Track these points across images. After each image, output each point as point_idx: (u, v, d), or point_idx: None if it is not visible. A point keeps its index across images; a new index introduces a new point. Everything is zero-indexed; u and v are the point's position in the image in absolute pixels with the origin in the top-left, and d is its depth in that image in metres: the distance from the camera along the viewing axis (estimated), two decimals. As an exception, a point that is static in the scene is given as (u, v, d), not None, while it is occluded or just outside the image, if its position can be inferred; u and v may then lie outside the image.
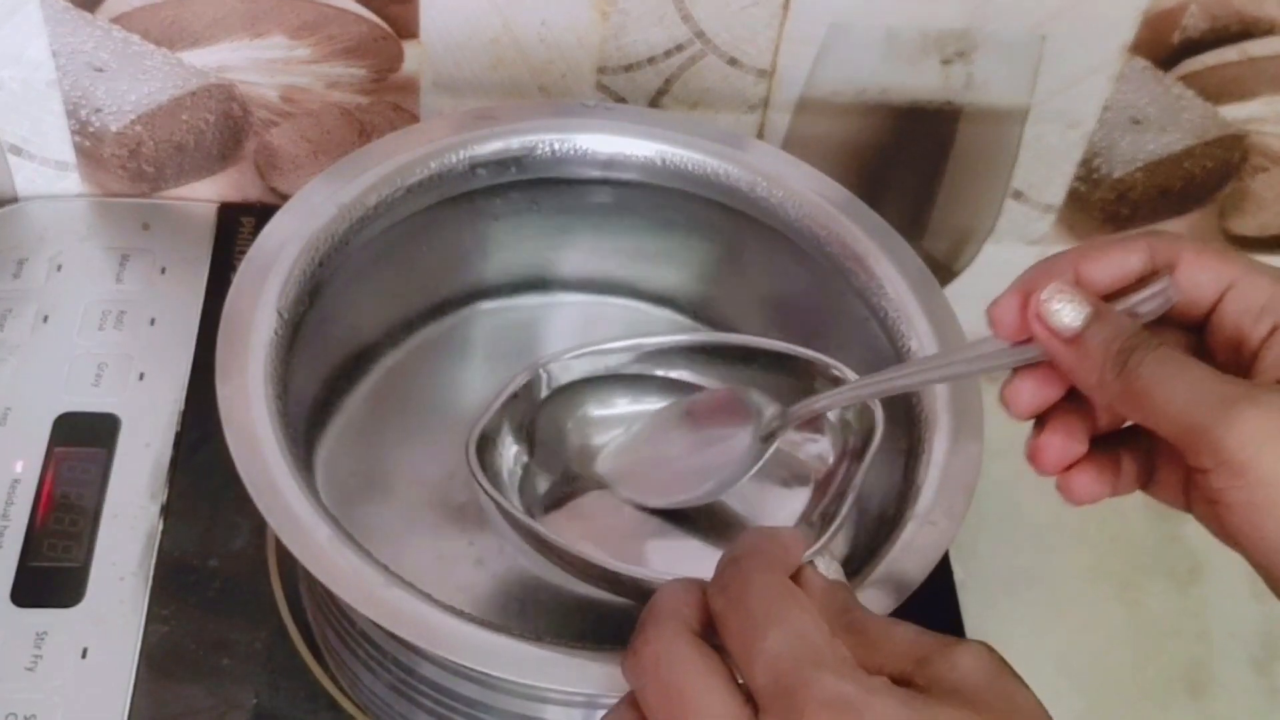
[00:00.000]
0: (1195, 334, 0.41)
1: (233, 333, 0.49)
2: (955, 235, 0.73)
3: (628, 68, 0.66)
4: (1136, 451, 0.43)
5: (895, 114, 0.68)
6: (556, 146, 0.57)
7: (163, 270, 0.67)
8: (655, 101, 0.68)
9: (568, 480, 0.56)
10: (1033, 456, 0.42)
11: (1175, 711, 0.61)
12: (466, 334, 0.62)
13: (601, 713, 0.37)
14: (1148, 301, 0.40)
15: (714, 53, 0.66)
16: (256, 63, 0.65)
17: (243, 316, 0.49)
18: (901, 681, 0.34)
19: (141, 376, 0.62)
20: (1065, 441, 0.42)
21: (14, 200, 0.70)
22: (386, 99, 0.67)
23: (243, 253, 0.52)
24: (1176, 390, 0.37)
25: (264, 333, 0.49)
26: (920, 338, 0.52)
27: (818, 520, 0.53)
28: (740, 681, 0.34)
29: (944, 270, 0.73)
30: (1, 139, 0.67)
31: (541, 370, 0.55)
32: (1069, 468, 0.42)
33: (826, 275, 0.56)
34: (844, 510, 0.50)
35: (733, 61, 0.66)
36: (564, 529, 0.53)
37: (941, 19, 0.65)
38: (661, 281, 0.63)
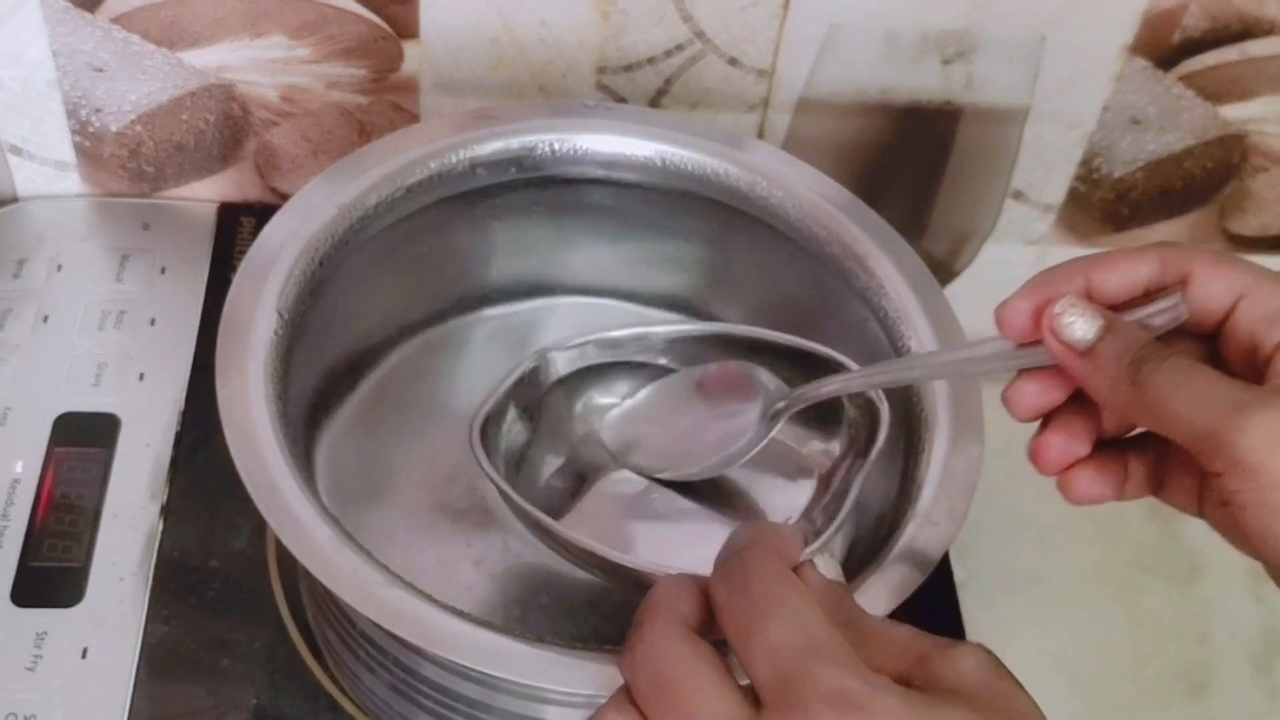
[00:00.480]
0: (1209, 343, 0.41)
1: (233, 333, 0.49)
2: (955, 235, 0.73)
3: (628, 68, 0.66)
4: (1145, 457, 0.43)
5: (895, 114, 0.68)
6: (556, 146, 0.57)
7: (163, 270, 0.66)
8: (655, 101, 0.67)
9: (571, 467, 0.56)
10: (1034, 455, 0.43)
11: (1175, 711, 0.61)
12: (467, 334, 0.62)
13: (601, 713, 0.37)
14: (1158, 316, 0.40)
15: (714, 53, 0.66)
16: (256, 63, 0.65)
17: (243, 316, 0.49)
18: (900, 681, 0.34)
19: (141, 376, 0.62)
20: (1067, 442, 0.42)
21: (14, 200, 0.70)
22: (386, 99, 0.67)
23: (243, 253, 0.52)
24: (1189, 396, 0.37)
25: (264, 333, 0.49)
26: (920, 338, 0.52)
27: (819, 517, 0.53)
28: (743, 682, 0.34)
29: (944, 270, 0.73)
30: (1, 139, 0.67)
31: (547, 357, 0.55)
32: (1070, 467, 0.43)
33: (827, 275, 0.56)
34: (845, 508, 0.50)
35: (733, 61, 0.66)
36: (567, 515, 0.54)
37: (941, 19, 0.65)
38: (661, 281, 0.63)
